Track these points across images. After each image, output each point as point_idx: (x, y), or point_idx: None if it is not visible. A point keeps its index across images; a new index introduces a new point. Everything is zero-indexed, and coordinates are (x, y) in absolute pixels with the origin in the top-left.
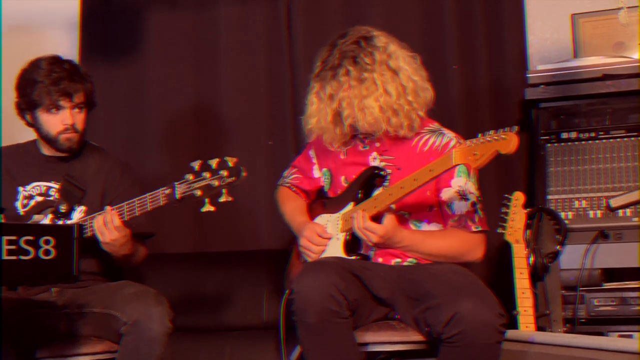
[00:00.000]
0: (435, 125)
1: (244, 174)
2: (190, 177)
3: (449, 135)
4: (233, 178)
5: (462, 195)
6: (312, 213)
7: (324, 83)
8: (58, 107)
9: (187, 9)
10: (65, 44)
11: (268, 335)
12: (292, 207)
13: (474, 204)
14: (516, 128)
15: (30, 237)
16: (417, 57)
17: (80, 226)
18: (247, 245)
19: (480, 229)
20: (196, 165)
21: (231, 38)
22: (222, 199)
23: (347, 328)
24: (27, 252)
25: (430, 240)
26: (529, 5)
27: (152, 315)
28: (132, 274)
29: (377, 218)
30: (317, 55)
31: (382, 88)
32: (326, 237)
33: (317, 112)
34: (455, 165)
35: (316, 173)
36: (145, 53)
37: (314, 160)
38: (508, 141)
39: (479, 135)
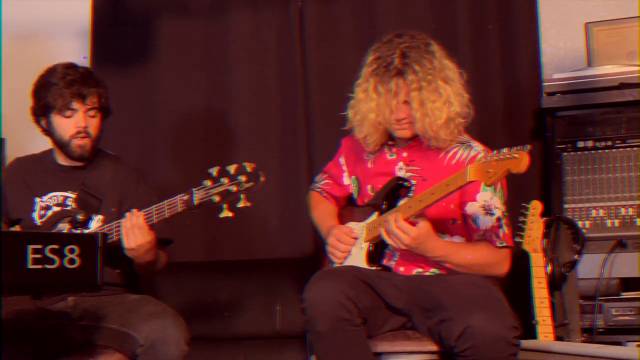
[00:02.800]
0: (464, 137)
1: (262, 179)
2: (208, 182)
3: (477, 148)
4: (251, 183)
5: (487, 210)
6: (342, 220)
7: (386, 79)
8: (71, 110)
9: (199, 16)
10: (77, 52)
11: (281, 344)
12: (321, 211)
13: (499, 219)
14: (528, 147)
15: (56, 246)
16: (463, 74)
17: (105, 235)
18: (260, 253)
19: (504, 244)
20: (214, 171)
21: (243, 46)
22: (241, 205)
23: (359, 335)
24: (52, 261)
25: (462, 251)
26: (542, 14)
27: (169, 338)
28: (146, 282)
29: None
30: (368, 51)
31: (445, 96)
32: (353, 236)
33: (376, 108)
34: (470, 181)
35: (346, 180)
36: (156, 61)
37: (344, 168)
38: (519, 160)
39: (495, 151)
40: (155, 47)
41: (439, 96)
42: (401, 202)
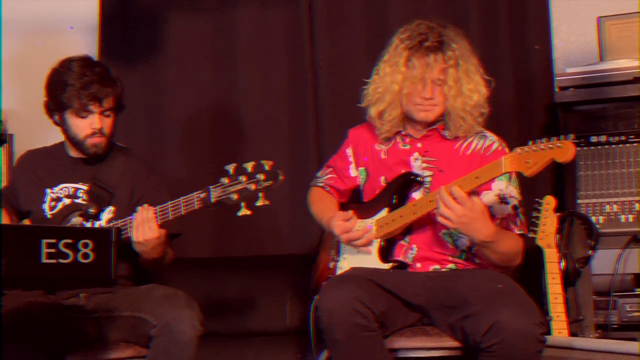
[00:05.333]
0: (478, 127)
1: (281, 177)
2: (225, 180)
3: (492, 138)
4: (270, 182)
5: (502, 199)
6: None
7: (422, 52)
8: (87, 112)
9: (207, 12)
10: (85, 48)
11: (292, 340)
12: (322, 205)
13: (515, 207)
14: (572, 136)
15: (70, 241)
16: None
17: (118, 230)
18: (270, 250)
19: (522, 232)
20: (231, 168)
21: (251, 41)
22: (259, 203)
23: (377, 340)
24: (66, 256)
25: (505, 239)
26: (554, 9)
27: (182, 317)
28: (157, 278)
29: (417, 225)
30: (395, 34)
31: (475, 80)
32: (348, 217)
33: (403, 81)
34: (505, 172)
35: (352, 172)
36: (164, 56)
37: (351, 159)
38: (565, 149)
39: (529, 142)
40: (163, 42)
41: (471, 80)
42: (418, 196)
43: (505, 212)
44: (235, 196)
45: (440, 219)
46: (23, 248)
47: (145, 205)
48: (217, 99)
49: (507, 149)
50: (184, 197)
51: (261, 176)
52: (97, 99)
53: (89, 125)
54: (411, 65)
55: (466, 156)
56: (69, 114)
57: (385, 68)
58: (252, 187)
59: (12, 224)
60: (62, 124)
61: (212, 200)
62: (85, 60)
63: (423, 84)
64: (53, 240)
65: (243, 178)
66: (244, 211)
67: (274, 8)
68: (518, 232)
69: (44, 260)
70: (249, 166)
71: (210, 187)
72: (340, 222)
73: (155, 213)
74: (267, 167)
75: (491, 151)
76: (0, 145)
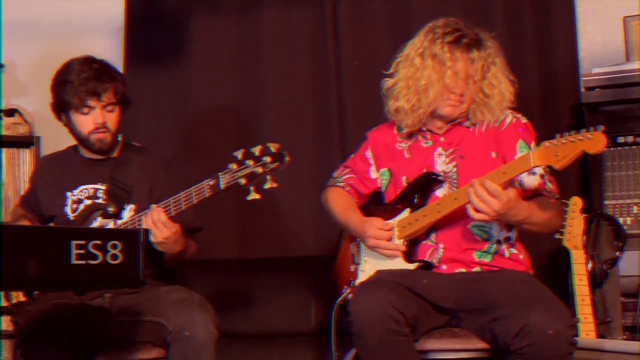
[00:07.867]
0: None
1: (287, 158)
2: (233, 166)
3: (505, 111)
4: (277, 164)
5: (529, 171)
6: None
7: (465, 48)
8: (88, 107)
9: (231, 14)
10: (110, 50)
11: (316, 342)
12: (344, 205)
13: (542, 176)
14: (602, 127)
15: (99, 242)
16: None
17: (147, 231)
18: (293, 251)
19: (557, 197)
20: (239, 154)
21: (275, 42)
22: (267, 186)
23: (408, 345)
24: (95, 257)
25: (540, 209)
26: (579, 9)
27: (195, 321)
28: (180, 279)
29: (441, 221)
30: (428, 26)
31: (510, 81)
32: (388, 228)
33: (445, 72)
34: (533, 167)
35: (373, 174)
36: (189, 58)
37: (371, 161)
38: (596, 140)
39: (557, 136)
40: (187, 44)
41: (507, 78)
42: (442, 194)
43: (535, 183)
44: (243, 180)
45: (474, 214)
46: (53, 249)
47: (154, 206)
48: (242, 99)
49: (522, 119)
50: (194, 186)
51: (268, 159)
52: (95, 93)
53: (92, 120)
54: (454, 59)
55: (482, 134)
56: (72, 113)
57: (418, 59)
58: (260, 170)
59: (43, 226)
60: (69, 124)
61: (222, 186)
62: (85, 59)
63: (467, 74)
64: (82, 242)
65: (250, 162)
66: (253, 195)
67: (299, 8)
68: (554, 198)
69: (74, 261)
70: (256, 150)
71: (219, 173)
72: (378, 232)
73: (168, 208)
74: (273, 150)
75: (506, 126)
76: (26, 148)
